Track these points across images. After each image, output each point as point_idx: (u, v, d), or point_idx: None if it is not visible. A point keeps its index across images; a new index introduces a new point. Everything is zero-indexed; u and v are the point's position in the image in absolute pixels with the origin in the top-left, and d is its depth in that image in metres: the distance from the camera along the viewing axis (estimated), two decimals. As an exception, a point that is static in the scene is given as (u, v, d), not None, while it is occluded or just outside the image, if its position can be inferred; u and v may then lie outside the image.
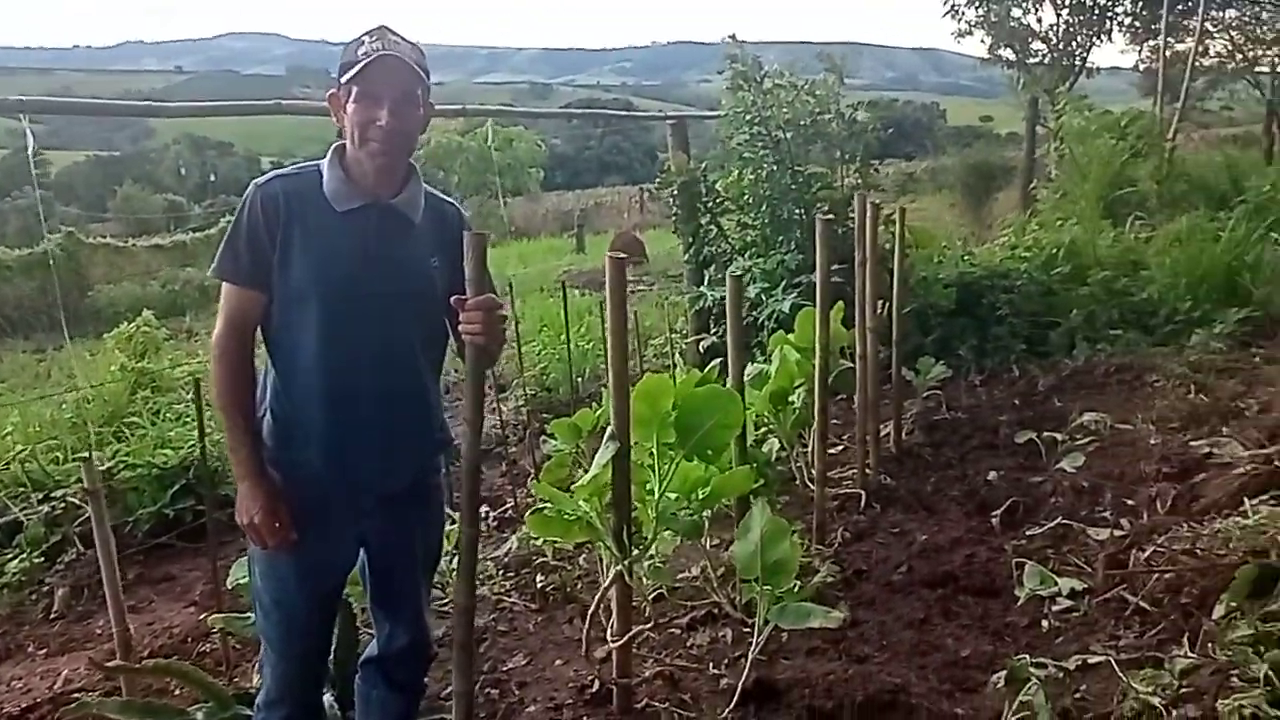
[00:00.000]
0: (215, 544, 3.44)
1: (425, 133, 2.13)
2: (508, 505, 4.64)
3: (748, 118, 6.18)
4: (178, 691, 2.98)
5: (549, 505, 2.77)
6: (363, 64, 1.93)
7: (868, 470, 4.41)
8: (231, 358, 2.02)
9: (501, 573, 3.76)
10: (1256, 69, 20.22)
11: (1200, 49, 15.91)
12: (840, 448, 4.91)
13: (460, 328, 1.88)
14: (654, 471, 2.84)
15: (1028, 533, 3.73)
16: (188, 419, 5.32)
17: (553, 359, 7.40)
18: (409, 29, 2.15)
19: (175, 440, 4.91)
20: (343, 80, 1.97)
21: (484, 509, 4.62)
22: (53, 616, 3.87)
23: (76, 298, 16.63)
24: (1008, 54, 18.13)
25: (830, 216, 4.09)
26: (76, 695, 3.07)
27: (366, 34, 1.99)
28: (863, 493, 4.23)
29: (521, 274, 15.28)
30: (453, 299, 1.88)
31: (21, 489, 4.65)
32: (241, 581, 2.90)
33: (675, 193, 6.49)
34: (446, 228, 2.11)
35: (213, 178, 46.77)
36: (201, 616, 3.62)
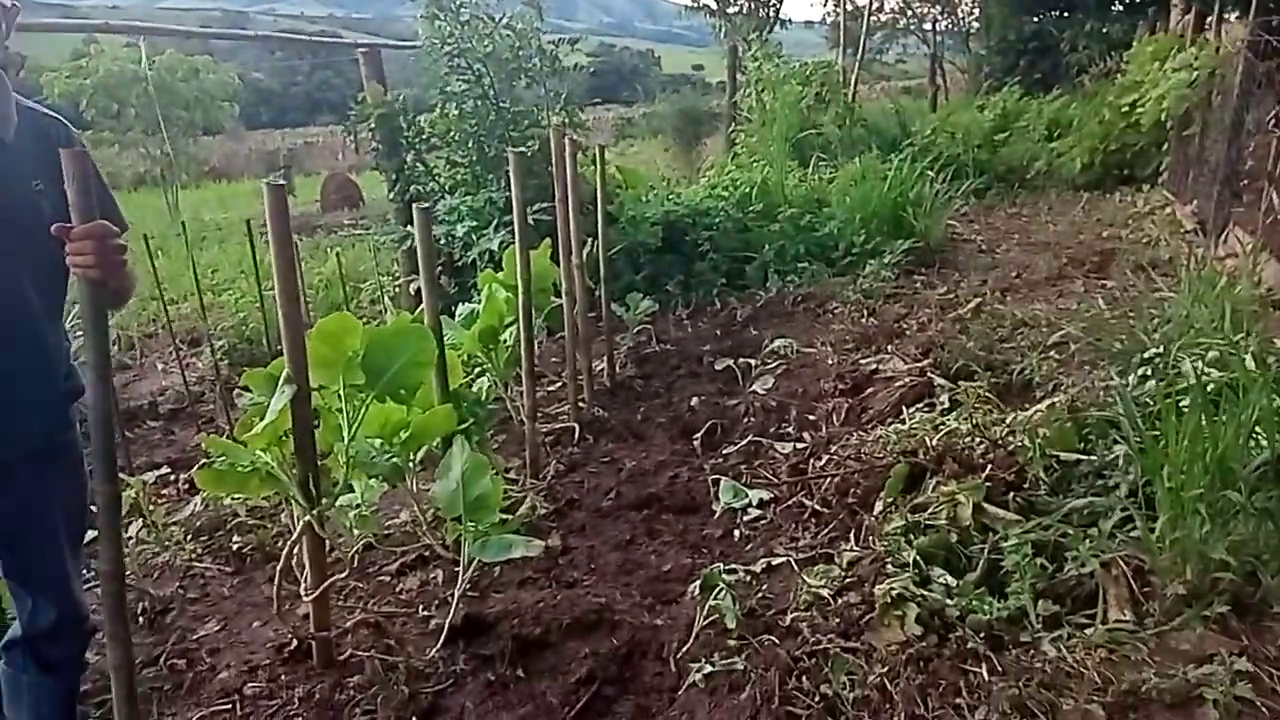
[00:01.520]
0: None
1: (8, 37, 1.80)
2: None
3: (445, 49, 5.97)
4: None
5: (223, 458, 2.56)
6: None
7: (580, 404, 4.50)
8: None
9: (190, 536, 3.46)
10: (924, 26, 22.54)
11: (876, 5, 17.47)
12: (557, 385, 4.96)
13: (68, 260, 1.64)
14: (343, 415, 2.70)
15: (724, 452, 3.98)
16: None
17: (253, 308, 6.86)
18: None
19: None
20: None
21: (168, 470, 4.23)
22: None
23: None
24: (709, 2, 18.92)
25: (524, 151, 4.05)
26: None
27: None
28: (576, 426, 4.31)
29: (222, 218, 14.02)
30: (54, 228, 1.63)
31: None
32: None
33: (373, 127, 6.17)
34: (49, 146, 1.81)
35: None
36: None
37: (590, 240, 4.94)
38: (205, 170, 20.66)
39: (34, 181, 1.81)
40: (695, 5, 18.71)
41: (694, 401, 4.60)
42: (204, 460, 2.55)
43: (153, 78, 14.04)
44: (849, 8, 15.03)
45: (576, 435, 4.27)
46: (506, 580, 3.05)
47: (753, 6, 17.91)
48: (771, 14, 16.58)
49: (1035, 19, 15.56)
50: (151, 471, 4.20)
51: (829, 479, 3.36)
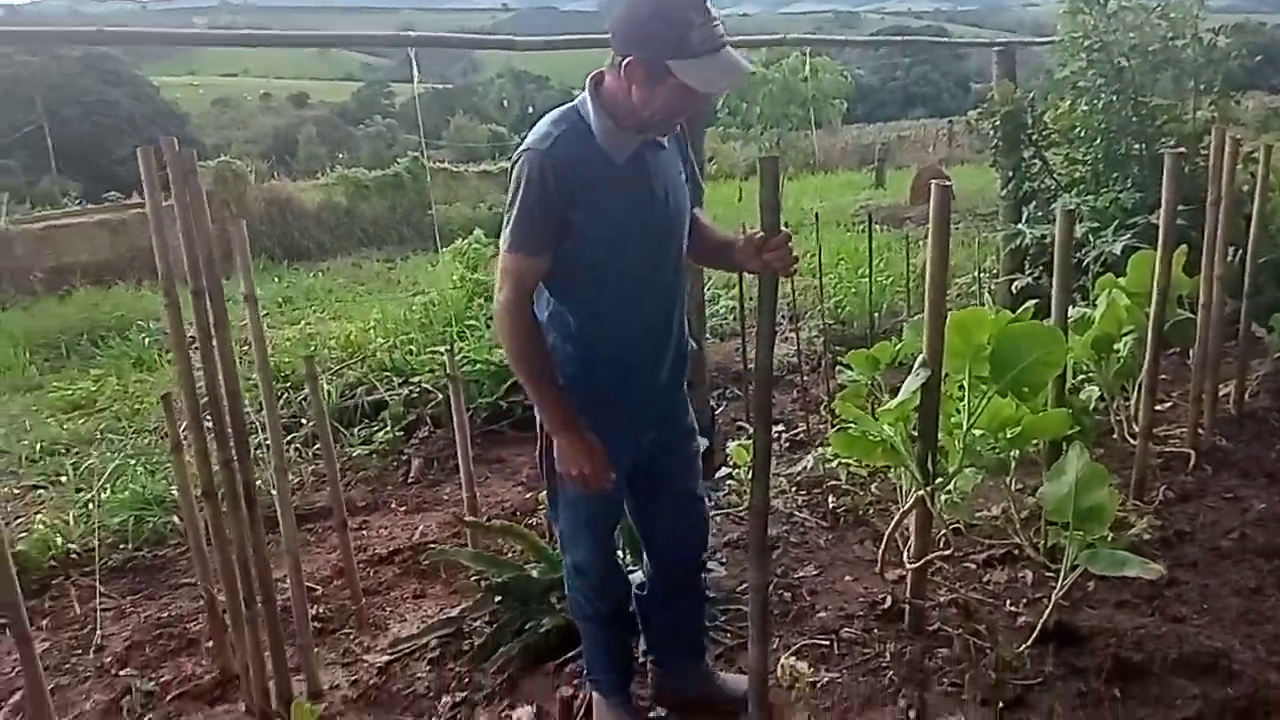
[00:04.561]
0: (543, 433, 3.87)
1: None
2: (799, 429, 4.76)
3: (1086, 44, 5.69)
4: (508, 552, 3.42)
5: (853, 426, 2.85)
6: (708, 73, 1.87)
7: (1200, 430, 4.05)
8: (527, 323, 2.03)
9: (794, 489, 3.89)
10: None
11: None
12: (1168, 404, 4.53)
13: (765, 258, 1.94)
14: (964, 405, 2.83)
15: (1396, 515, 3.29)
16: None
17: (847, 292, 7.36)
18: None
19: (506, 343, 5.46)
20: (668, 61, 1.84)
21: (778, 429, 4.77)
22: (409, 481, 4.55)
23: (419, 216, 18.70)
24: None
25: (1180, 151, 3.72)
26: (432, 544, 3.62)
27: (693, 9, 1.84)
28: (1192, 453, 3.91)
29: (818, 207, 15.16)
30: (756, 236, 1.96)
31: (385, 374, 5.44)
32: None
33: (997, 124, 6.14)
34: (675, 138, 2.17)
35: (530, 109, 49.93)
36: (528, 495, 4.11)
37: (1234, 250, 4.38)
38: (809, 162, 22.39)
39: (679, 172, 2.17)
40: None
41: (1354, 450, 3.87)
42: (837, 426, 2.88)
43: (779, 79, 15.61)
44: None
45: (1191, 463, 3.87)
46: (1102, 598, 2.93)
47: None
48: None
49: None
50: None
51: None
